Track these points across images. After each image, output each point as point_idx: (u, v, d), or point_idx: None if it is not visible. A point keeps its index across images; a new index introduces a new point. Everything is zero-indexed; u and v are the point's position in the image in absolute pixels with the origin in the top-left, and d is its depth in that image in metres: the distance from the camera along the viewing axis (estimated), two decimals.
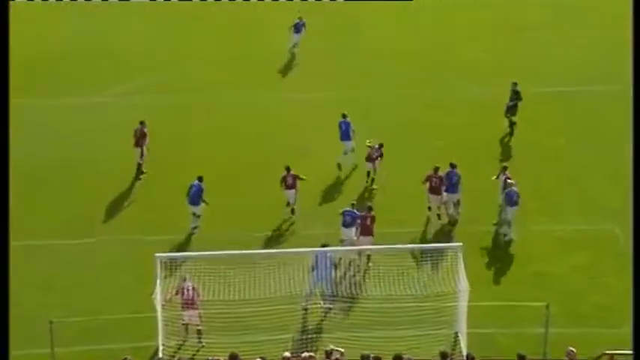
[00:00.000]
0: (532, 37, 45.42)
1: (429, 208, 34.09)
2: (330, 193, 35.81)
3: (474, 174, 35.04)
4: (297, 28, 44.71)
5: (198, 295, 28.38)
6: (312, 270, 29.19)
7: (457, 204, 33.96)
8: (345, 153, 36.71)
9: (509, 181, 33.15)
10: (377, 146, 35.78)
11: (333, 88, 42.22)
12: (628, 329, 27.61)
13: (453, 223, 33.97)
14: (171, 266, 28.43)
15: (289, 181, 33.99)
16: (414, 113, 40.25)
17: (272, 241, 33.11)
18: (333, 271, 29.69)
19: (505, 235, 33.15)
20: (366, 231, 31.53)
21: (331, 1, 49.15)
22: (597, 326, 29.32)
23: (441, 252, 29.88)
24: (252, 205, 35.15)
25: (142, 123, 36.57)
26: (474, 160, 36.35)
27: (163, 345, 27.37)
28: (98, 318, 29.17)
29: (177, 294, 28.42)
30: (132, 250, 32.61)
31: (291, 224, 34.29)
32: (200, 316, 28.52)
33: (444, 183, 33.53)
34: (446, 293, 28.80)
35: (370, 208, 32.06)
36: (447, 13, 48.32)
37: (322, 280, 29.32)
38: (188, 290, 28.34)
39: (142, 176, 36.60)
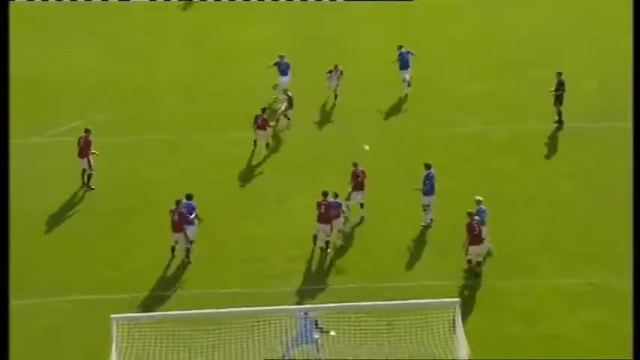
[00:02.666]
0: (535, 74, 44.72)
1: (315, 237, 34.33)
2: (304, 248, 34.71)
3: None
4: (282, 70, 42.83)
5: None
6: (291, 331, 29.04)
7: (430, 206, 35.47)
8: (404, 81, 42.90)
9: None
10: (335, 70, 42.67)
11: (311, 124, 41.96)
12: None
13: (427, 227, 35.26)
14: (129, 329, 28.07)
15: (259, 122, 38.98)
16: (403, 149, 40.14)
17: (241, 298, 31.94)
18: (314, 331, 29.19)
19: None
20: (358, 186, 35.47)
21: (311, 28, 49.24)
22: None
23: (436, 309, 29.06)
24: (218, 258, 34.52)
25: (86, 131, 37.45)
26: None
27: None
28: None
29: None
30: (82, 312, 31.91)
31: (264, 278, 33.56)
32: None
33: (424, 186, 35.15)
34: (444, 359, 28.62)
35: (356, 164, 35.62)
36: (443, 48, 47.73)
37: (302, 342, 29.04)
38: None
39: (89, 191, 37.34)
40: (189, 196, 34.09)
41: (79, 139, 37.17)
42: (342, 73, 42.69)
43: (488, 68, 45.60)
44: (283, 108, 41.04)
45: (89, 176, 37.36)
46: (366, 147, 38.09)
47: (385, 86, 43.57)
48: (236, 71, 45.15)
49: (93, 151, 37.24)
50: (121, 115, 42.26)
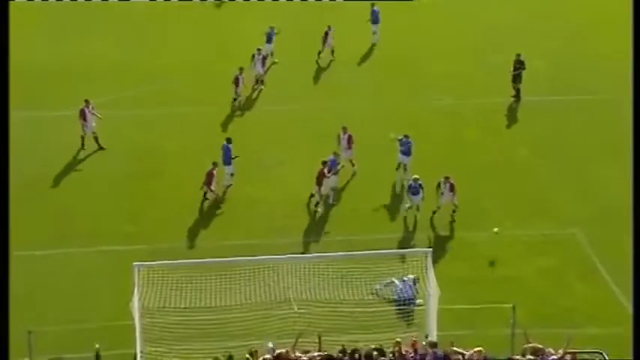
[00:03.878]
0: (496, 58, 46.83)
1: (312, 195, 36.80)
2: (300, 206, 37.17)
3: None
4: (269, 37, 45.98)
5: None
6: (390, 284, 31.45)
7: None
8: (374, 33, 47.79)
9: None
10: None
11: (304, 100, 44.13)
12: (591, 330, 30.97)
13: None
14: (149, 275, 29.35)
15: (238, 80, 42.75)
16: (386, 120, 41.88)
17: (245, 249, 33.19)
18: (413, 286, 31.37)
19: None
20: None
21: (301, 11, 50.79)
22: (561, 327, 30.55)
23: (411, 257, 30.94)
24: (224, 216, 37.01)
25: (86, 101, 39.96)
26: (446, 169, 37.44)
27: (141, 352, 28.21)
28: (76, 327, 30.54)
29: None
30: (108, 261, 34.01)
31: (265, 232, 35.65)
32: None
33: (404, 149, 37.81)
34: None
35: (345, 128, 38.20)
36: (412, 30, 49.80)
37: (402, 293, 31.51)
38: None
39: (100, 150, 40.05)
40: (229, 140, 37.30)
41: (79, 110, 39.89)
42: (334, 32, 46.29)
43: (458, 53, 47.54)
44: (258, 71, 43.42)
45: (96, 138, 39.80)
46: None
47: (379, 79, 45.78)
48: (238, 60, 45.05)
49: (82, 122, 39.71)
50: (133, 95, 43.97)
